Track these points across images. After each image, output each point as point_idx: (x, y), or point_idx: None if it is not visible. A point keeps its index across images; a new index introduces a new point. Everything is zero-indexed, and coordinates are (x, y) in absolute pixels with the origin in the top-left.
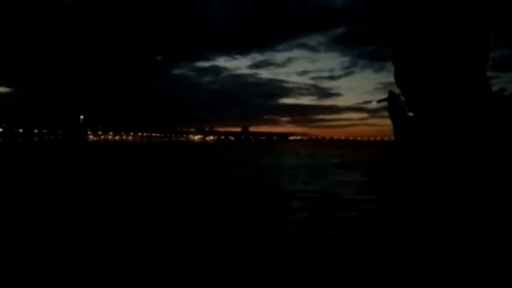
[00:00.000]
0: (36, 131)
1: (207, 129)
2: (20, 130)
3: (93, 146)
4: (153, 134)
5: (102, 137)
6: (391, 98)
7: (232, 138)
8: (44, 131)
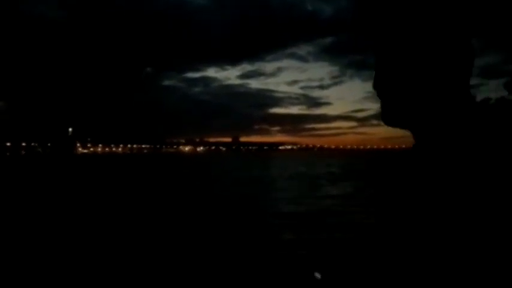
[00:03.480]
0: (24, 144)
1: (197, 140)
2: (8, 144)
3: (80, 159)
4: (143, 146)
5: (91, 149)
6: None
7: (223, 148)
8: (32, 144)
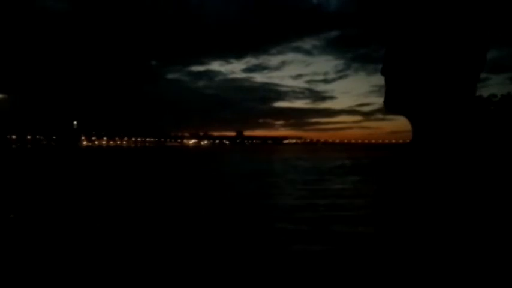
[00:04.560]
0: (29, 137)
1: (201, 133)
2: (14, 137)
3: (85, 152)
4: (147, 139)
5: (96, 142)
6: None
7: (227, 142)
8: (38, 137)
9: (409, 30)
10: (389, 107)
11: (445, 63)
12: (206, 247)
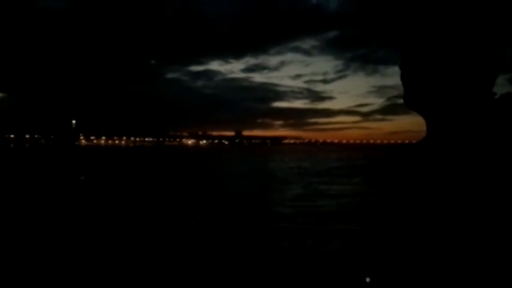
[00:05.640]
0: (27, 136)
1: (200, 133)
2: (12, 136)
3: (83, 151)
4: (146, 139)
5: (94, 141)
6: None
7: (226, 142)
8: (36, 136)
9: (426, 31)
10: (409, 104)
11: (462, 63)
12: (200, 249)
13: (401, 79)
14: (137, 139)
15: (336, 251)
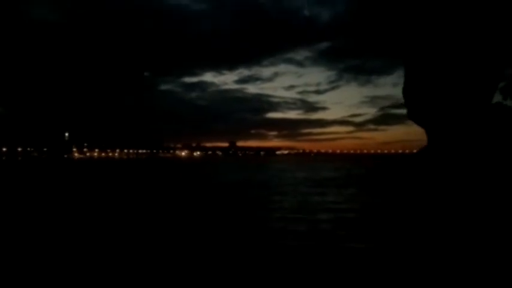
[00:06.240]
0: (20, 149)
1: (194, 144)
2: (4, 149)
3: (76, 164)
4: (140, 151)
5: (87, 154)
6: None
7: (220, 153)
8: (28, 149)
9: (427, 48)
10: (411, 116)
11: (463, 78)
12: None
13: (403, 93)
14: (131, 151)
15: (345, 272)
